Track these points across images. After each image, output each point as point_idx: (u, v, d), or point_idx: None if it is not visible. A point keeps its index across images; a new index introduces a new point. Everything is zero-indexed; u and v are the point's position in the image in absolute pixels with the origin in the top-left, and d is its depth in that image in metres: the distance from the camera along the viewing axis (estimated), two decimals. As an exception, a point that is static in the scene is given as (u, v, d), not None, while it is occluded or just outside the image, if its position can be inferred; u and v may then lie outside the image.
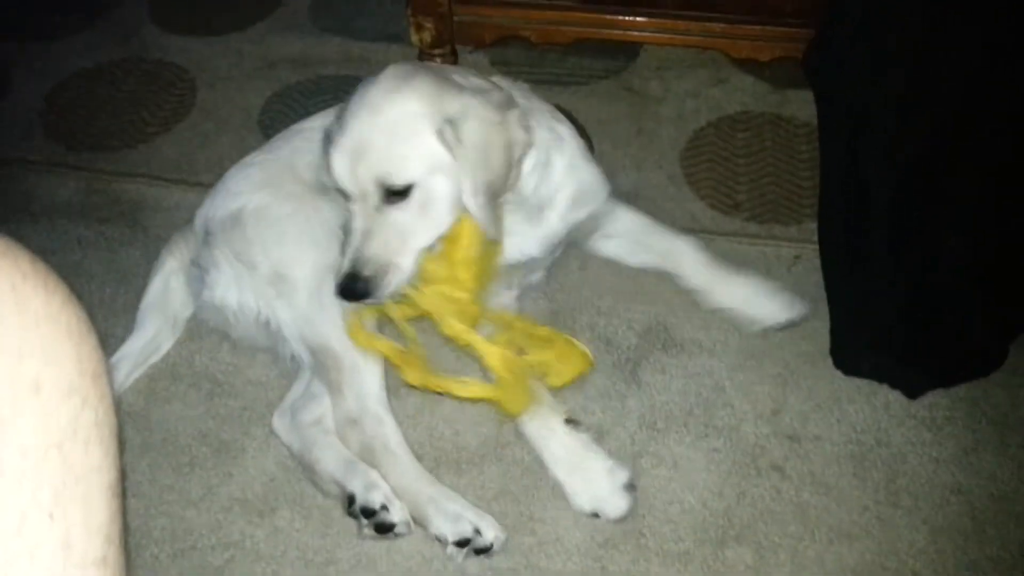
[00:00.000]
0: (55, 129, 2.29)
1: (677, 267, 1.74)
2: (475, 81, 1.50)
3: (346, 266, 1.42)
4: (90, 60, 2.49)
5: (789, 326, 1.67)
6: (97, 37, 2.58)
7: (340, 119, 1.44)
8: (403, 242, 1.43)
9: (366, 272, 1.41)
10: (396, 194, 1.40)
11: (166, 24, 2.62)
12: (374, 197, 1.40)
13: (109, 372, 0.63)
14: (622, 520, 1.45)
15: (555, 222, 1.64)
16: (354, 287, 1.41)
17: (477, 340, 1.45)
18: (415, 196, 1.41)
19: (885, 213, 1.62)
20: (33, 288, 0.57)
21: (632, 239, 1.80)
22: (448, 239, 1.45)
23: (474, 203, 1.41)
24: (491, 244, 1.47)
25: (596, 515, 1.46)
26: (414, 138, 1.39)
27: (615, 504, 1.45)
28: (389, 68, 1.46)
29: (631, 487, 1.46)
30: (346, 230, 1.47)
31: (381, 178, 1.39)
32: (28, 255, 0.59)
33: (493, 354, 1.44)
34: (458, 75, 1.51)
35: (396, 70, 1.45)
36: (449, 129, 1.38)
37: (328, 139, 1.45)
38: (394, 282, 1.42)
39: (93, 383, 0.59)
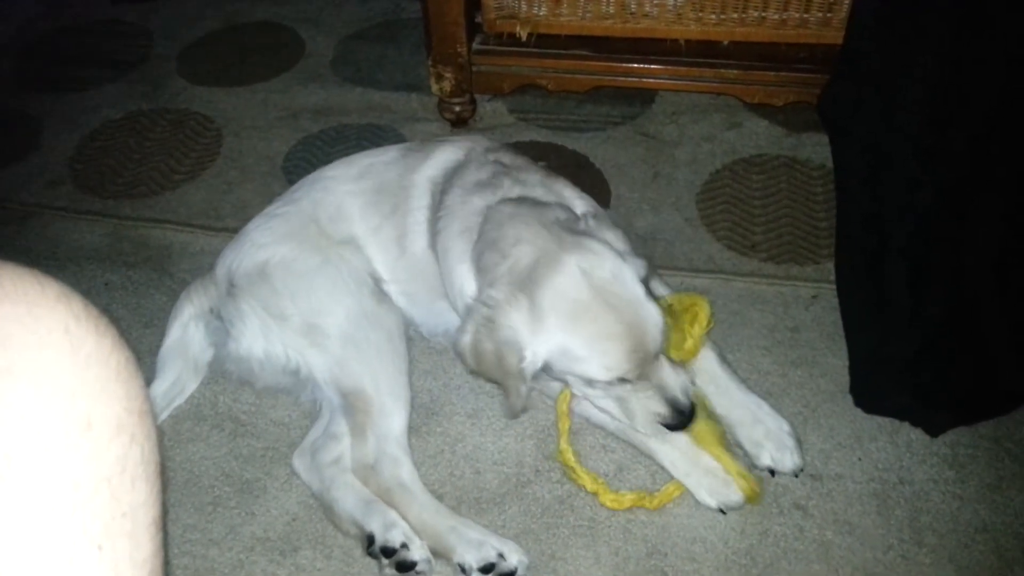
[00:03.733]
0: (84, 177, 2.35)
1: (693, 374, 1.62)
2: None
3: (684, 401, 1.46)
4: (119, 111, 2.57)
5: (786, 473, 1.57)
6: (126, 89, 2.67)
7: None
8: None
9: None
10: None
11: (193, 76, 2.70)
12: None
13: (154, 411, 0.66)
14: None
15: None
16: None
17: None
18: None
19: (904, 253, 1.64)
20: (86, 331, 0.60)
21: None
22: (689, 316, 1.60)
23: None
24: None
25: (722, 510, 1.51)
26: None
27: (736, 497, 1.49)
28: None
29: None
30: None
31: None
32: (81, 300, 0.62)
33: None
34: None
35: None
36: None
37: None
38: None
39: (140, 421, 0.62)
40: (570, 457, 1.55)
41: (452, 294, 1.61)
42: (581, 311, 1.40)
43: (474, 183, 1.63)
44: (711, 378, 1.62)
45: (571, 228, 1.49)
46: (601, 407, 1.53)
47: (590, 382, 1.46)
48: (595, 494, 1.53)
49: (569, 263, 1.42)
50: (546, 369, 1.46)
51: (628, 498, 1.52)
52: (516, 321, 1.41)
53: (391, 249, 1.72)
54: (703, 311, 1.60)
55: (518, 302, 1.41)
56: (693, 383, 1.54)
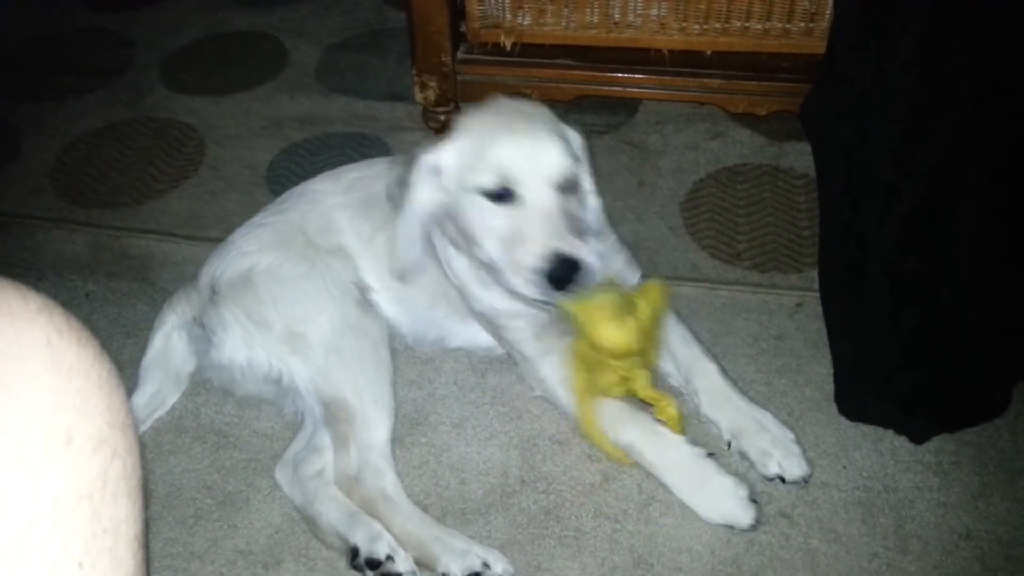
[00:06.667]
0: (65, 186, 2.33)
1: (695, 391, 1.65)
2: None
3: (552, 246, 1.42)
4: (101, 120, 2.55)
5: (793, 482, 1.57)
6: (108, 97, 2.65)
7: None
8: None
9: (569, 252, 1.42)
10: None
11: (176, 85, 2.69)
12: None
13: (136, 425, 0.65)
14: (754, 528, 1.48)
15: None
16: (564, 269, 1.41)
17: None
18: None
19: (883, 261, 1.65)
20: (68, 344, 0.59)
21: None
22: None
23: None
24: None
25: (731, 527, 1.49)
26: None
27: (745, 515, 1.48)
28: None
29: (754, 499, 1.50)
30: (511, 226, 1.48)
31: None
32: (63, 312, 0.61)
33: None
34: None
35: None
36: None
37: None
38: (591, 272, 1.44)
39: (122, 435, 0.61)
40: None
41: (452, 276, 1.66)
42: (491, 118, 1.54)
43: None
44: (713, 389, 1.62)
45: None
46: (490, 252, 1.49)
47: (477, 204, 1.47)
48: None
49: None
50: (442, 191, 1.53)
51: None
52: (430, 148, 1.54)
53: (384, 259, 1.72)
54: (655, 291, 1.57)
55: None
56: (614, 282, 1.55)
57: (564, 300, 1.45)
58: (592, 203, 1.63)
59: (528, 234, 1.43)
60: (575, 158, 1.52)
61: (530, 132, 1.49)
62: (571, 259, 1.41)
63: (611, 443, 1.56)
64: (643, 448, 1.54)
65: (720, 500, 1.49)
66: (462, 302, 1.70)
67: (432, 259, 1.67)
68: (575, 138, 1.59)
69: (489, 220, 1.48)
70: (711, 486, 1.50)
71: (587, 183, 1.61)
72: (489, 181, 1.46)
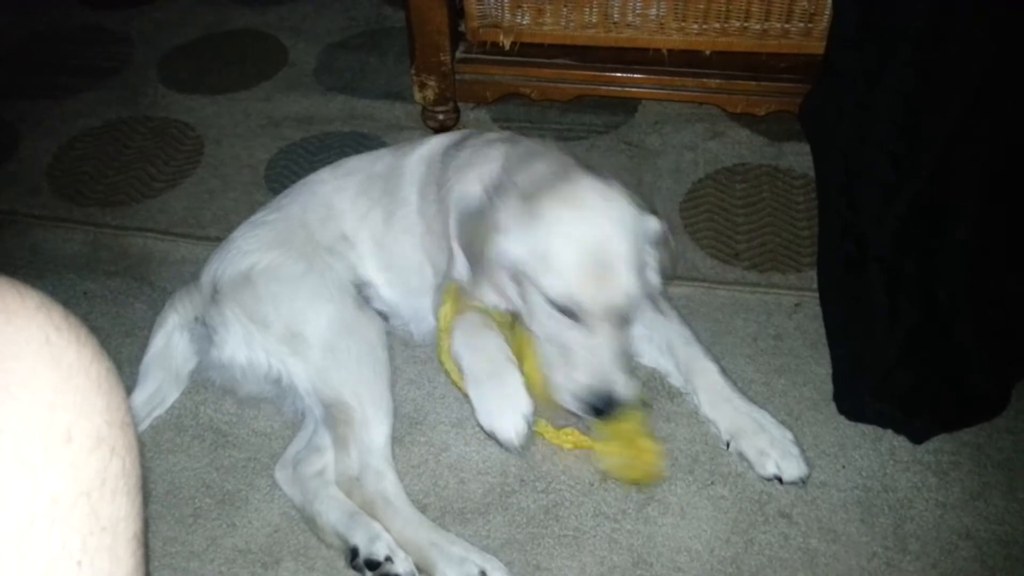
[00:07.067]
0: (62, 185, 2.32)
1: (694, 391, 1.65)
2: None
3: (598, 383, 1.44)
4: (98, 119, 2.55)
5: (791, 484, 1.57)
6: (106, 96, 2.64)
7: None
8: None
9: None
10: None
11: (174, 83, 2.68)
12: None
13: (135, 424, 0.65)
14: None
15: None
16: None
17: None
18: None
19: (882, 261, 1.65)
20: (67, 342, 0.59)
21: (656, 338, 1.71)
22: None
23: None
24: None
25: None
26: None
27: (516, 434, 1.46)
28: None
29: (532, 421, 1.49)
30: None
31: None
32: (61, 310, 0.61)
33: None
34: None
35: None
36: None
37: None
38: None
39: (121, 433, 0.61)
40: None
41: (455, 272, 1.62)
42: (573, 225, 1.42)
43: (486, 141, 1.65)
44: (713, 389, 1.62)
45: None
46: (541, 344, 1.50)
47: (542, 299, 1.45)
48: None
49: (583, 180, 1.47)
50: (513, 267, 1.47)
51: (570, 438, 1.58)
52: (509, 213, 1.45)
53: (379, 231, 1.72)
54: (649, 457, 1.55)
55: (517, 202, 1.45)
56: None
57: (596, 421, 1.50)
58: (654, 280, 1.57)
59: (581, 360, 1.45)
60: (647, 266, 1.50)
61: (607, 259, 1.41)
62: (612, 396, 1.44)
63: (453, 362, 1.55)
64: (458, 343, 1.54)
65: (502, 410, 1.47)
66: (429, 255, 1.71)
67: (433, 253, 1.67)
68: (653, 227, 1.51)
69: (547, 322, 1.47)
70: (502, 391, 1.48)
71: (658, 261, 1.55)
72: (556, 296, 1.43)
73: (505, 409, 1.46)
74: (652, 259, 1.53)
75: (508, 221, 1.45)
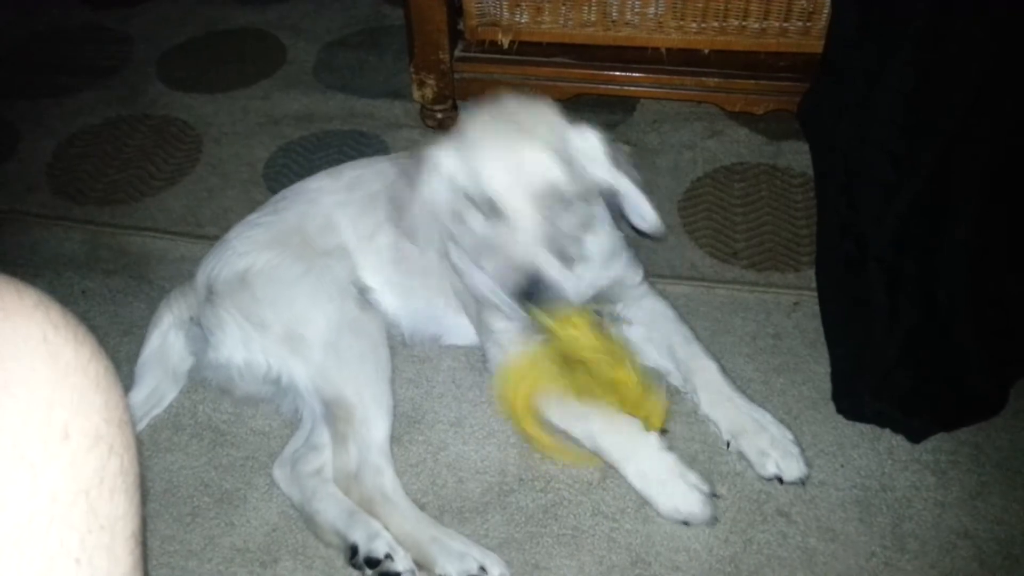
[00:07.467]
0: (61, 183, 2.32)
1: (694, 390, 1.64)
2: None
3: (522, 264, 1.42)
4: (98, 117, 2.55)
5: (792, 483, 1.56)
6: (105, 95, 2.64)
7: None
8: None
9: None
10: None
11: (173, 82, 2.68)
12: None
13: (133, 422, 0.64)
14: (712, 523, 1.49)
15: (586, 278, 1.63)
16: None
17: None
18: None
19: (881, 260, 1.65)
20: (64, 340, 0.59)
21: (656, 338, 1.71)
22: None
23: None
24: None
25: (686, 522, 1.50)
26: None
27: (703, 511, 1.48)
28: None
29: (713, 495, 1.51)
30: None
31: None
32: (59, 308, 0.61)
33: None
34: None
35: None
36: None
37: None
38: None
39: (119, 432, 0.61)
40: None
41: (451, 261, 1.65)
42: (491, 124, 1.48)
43: None
44: (713, 388, 1.62)
45: None
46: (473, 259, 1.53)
47: (473, 212, 1.45)
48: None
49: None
50: (446, 188, 1.50)
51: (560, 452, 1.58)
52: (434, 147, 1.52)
53: (386, 254, 1.72)
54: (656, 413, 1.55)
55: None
56: (606, 314, 1.59)
57: (536, 312, 1.45)
58: (632, 198, 1.60)
59: (503, 249, 1.43)
60: (576, 164, 1.49)
61: (516, 143, 1.43)
62: (540, 277, 1.41)
63: (547, 434, 1.55)
64: (603, 439, 1.53)
65: (680, 495, 1.49)
66: (459, 295, 1.70)
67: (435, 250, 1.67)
68: (589, 140, 1.53)
69: (480, 234, 1.47)
70: (671, 482, 1.50)
71: (605, 178, 1.56)
72: (473, 193, 1.44)
73: (690, 500, 1.49)
74: (599, 153, 1.54)
75: (439, 149, 1.51)
